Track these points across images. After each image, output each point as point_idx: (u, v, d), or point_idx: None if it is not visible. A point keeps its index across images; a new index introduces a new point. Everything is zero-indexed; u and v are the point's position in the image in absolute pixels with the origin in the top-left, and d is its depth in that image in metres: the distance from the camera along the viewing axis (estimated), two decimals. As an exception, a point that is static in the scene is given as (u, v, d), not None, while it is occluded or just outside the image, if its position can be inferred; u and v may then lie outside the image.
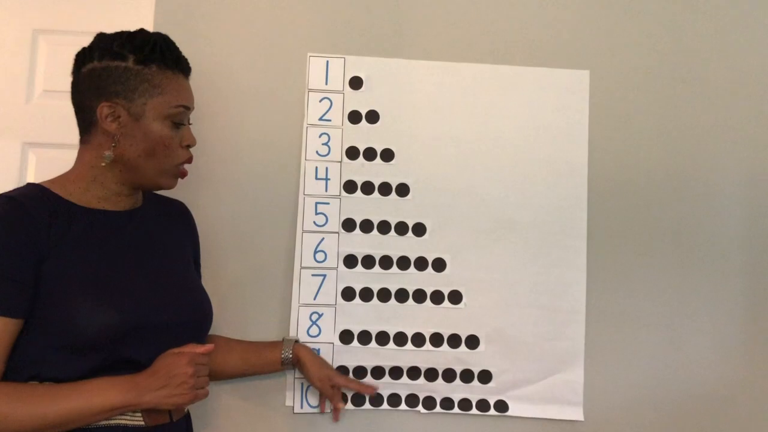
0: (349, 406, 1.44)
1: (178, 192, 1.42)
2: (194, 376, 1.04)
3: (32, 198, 1.04)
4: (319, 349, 1.42)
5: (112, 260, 1.07)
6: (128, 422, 1.03)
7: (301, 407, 1.43)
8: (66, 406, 0.97)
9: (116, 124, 1.09)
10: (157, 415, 1.07)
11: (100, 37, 1.13)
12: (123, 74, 1.09)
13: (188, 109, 1.15)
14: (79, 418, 0.98)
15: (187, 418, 1.19)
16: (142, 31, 1.14)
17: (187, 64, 1.18)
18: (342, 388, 1.39)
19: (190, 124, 1.19)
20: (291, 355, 1.34)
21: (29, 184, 1.10)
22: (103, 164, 1.09)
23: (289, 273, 1.44)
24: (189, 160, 1.17)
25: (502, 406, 1.45)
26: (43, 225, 1.01)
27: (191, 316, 1.15)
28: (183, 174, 1.17)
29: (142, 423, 1.05)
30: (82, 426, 1.00)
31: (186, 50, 1.46)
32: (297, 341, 1.38)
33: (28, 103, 1.56)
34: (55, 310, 0.99)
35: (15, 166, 1.55)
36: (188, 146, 1.16)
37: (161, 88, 1.10)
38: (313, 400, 1.43)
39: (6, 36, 1.56)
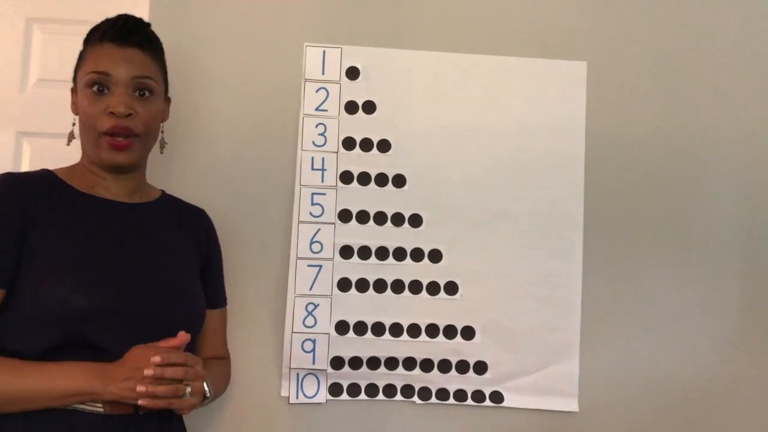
0: (345, 396, 1.44)
1: (173, 183, 1.42)
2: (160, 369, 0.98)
3: (34, 176, 1.10)
4: (315, 340, 1.43)
5: (95, 245, 1.08)
6: (85, 408, 1.02)
7: (297, 397, 1.43)
8: (31, 384, 0.97)
9: (74, 105, 1.17)
10: (118, 405, 1.03)
11: None
12: (78, 59, 1.17)
13: (103, 74, 1.11)
14: (41, 398, 0.98)
15: (166, 414, 1.09)
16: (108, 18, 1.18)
17: (127, 33, 1.14)
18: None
19: (147, 95, 1.14)
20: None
21: (42, 169, 1.14)
22: (67, 145, 1.16)
23: (285, 264, 1.44)
24: (113, 128, 1.09)
25: (497, 396, 1.46)
26: (32, 197, 1.04)
27: (168, 311, 1.10)
28: (113, 145, 1.10)
29: (101, 410, 1.02)
30: (44, 407, 0.99)
31: (182, 40, 1.46)
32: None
33: (22, 92, 1.55)
34: (27, 282, 1.00)
35: (9, 155, 1.54)
36: (112, 113, 1.09)
37: (84, 60, 1.15)
38: (309, 391, 1.43)
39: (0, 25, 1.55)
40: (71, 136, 1.18)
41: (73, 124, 1.16)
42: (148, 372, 0.97)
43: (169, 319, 1.09)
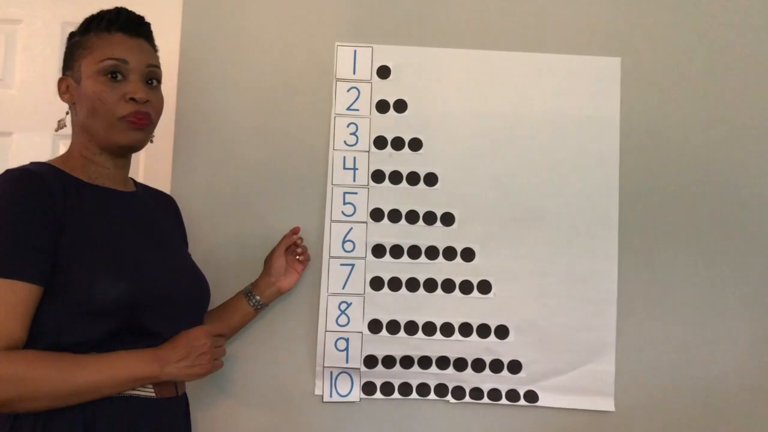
0: (378, 395, 1.44)
1: (204, 182, 1.43)
2: (212, 347, 1.11)
3: (43, 171, 1.07)
4: (348, 338, 1.43)
5: (122, 233, 1.11)
6: (140, 393, 1.08)
7: (330, 396, 1.43)
8: (95, 375, 1.01)
9: (68, 94, 1.16)
10: (166, 388, 1.11)
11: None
12: (70, 48, 1.17)
13: (121, 61, 1.13)
14: (106, 387, 1.02)
15: (185, 395, 1.22)
16: (103, 10, 1.18)
17: (136, 24, 1.17)
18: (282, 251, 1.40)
19: (155, 84, 1.17)
20: (260, 300, 1.37)
21: (34, 162, 1.12)
22: (56, 131, 1.16)
23: (318, 263, 1.44)
24: (135, 114, 1.12)
25: (532, 396, 1.45)
26: (59, 195, 1.05)
27: (195, 290, 1.20)
28: (135, 124, 1.13)
29: (153, 394, 1.09)
30: (108, 395, 1.03)
31: (213, 40, 1.48)
32: (252, 285, 1.38)
33: (58, 95, 1.57)
34: (74, 278, 1.02)
35: (46, 156, 1.55)
36: (133, 99, 1.12)
37: (91, 48, 1.14)
38: (343, 389, 1.43)
39: (35, 29, 1.57)
40: (61, 124, 1.18)
41: (67, 113, 1.17)
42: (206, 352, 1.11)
43: (200, 300, 1.22)
